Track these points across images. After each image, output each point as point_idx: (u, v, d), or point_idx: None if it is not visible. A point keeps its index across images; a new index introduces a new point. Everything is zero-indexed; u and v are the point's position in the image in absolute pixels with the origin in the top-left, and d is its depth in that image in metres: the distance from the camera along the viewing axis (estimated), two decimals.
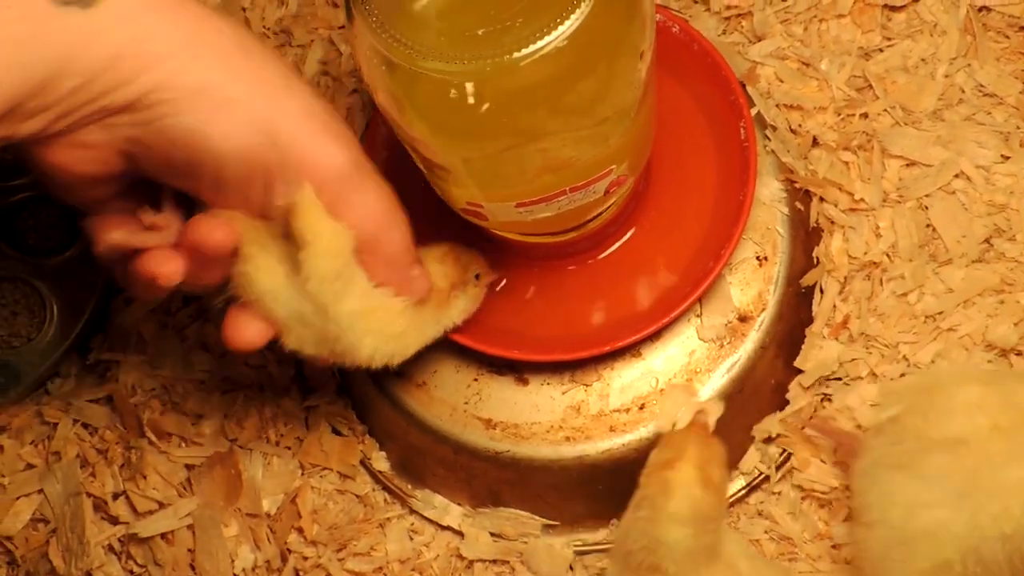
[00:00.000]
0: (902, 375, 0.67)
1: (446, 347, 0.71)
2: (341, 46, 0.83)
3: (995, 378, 0.55)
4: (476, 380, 0.70)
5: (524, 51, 0.44)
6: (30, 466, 0.77)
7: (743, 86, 0.71)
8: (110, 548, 0.75)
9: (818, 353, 0.69)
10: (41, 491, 0.76)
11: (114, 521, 0.75)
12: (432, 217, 0.71)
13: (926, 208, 0.71)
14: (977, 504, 0.50)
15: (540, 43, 0.44)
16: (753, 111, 0.71)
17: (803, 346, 0.70)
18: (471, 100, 0.46)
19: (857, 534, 0.58)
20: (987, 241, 0.69)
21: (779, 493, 0.69)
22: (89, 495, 0.75)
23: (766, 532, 0.68)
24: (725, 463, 0.57)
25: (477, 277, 0.66)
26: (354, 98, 0.81)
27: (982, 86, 0.73)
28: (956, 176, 0.71)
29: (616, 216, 0.67)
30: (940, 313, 0.69)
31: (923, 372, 0.64)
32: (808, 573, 0.66)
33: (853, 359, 0.69)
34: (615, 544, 0.59)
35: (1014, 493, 0.49)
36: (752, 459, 0.70)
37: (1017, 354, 0.66)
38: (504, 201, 0.56)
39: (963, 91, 0.73)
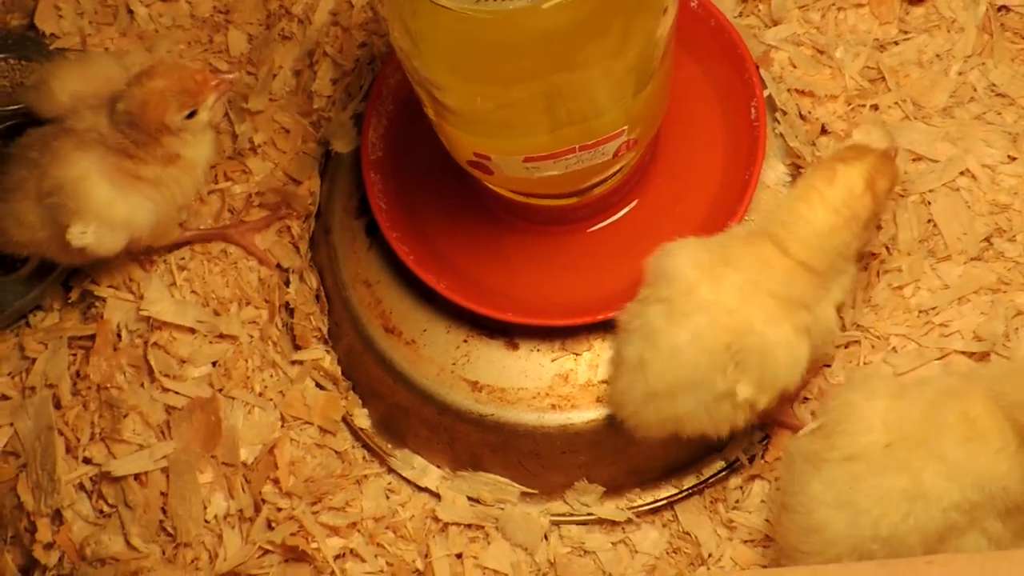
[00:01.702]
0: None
1: (438, 306, 0.70)
2: None
3: (902, 391, 0.58)
4: (466, 341, 0.70)
5: None
6: (5, 397, 0.76)
7: (757, 67, 0.71)
8: (81, 486, 0.74)
9: None
10: (12, 424, 0.74)
11: (87, 460, 0.73)
12: (433, 173, 0.71)
13: (929, 203, 0.71)
14: (859, 509, 0.55)
15: None
16: (764, 94, 0.70)
17: None
18: (490, 41, 0.45)
19: (779, 511, 0.61)
20: (987, 240, 0.69)
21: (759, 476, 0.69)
22: (61, 433, 0.74)
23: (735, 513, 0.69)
24: (895, 184, 0.61)
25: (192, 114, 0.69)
26: (364, 50, 0.80)
27: (995, 86, 0.73)
28: (961, 174, 0.71)
29: (620, 186, 0.67)
30: (934, 308, 0.69)
31: (841, 387, 0.66)
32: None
33: (846, 345, 0.68)
34: (754, 220, 0.63)
35: (891, 502, 0.55)
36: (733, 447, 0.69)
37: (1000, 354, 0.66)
38: (512, 154, 0.55)
39: (975, 89, 0.73)
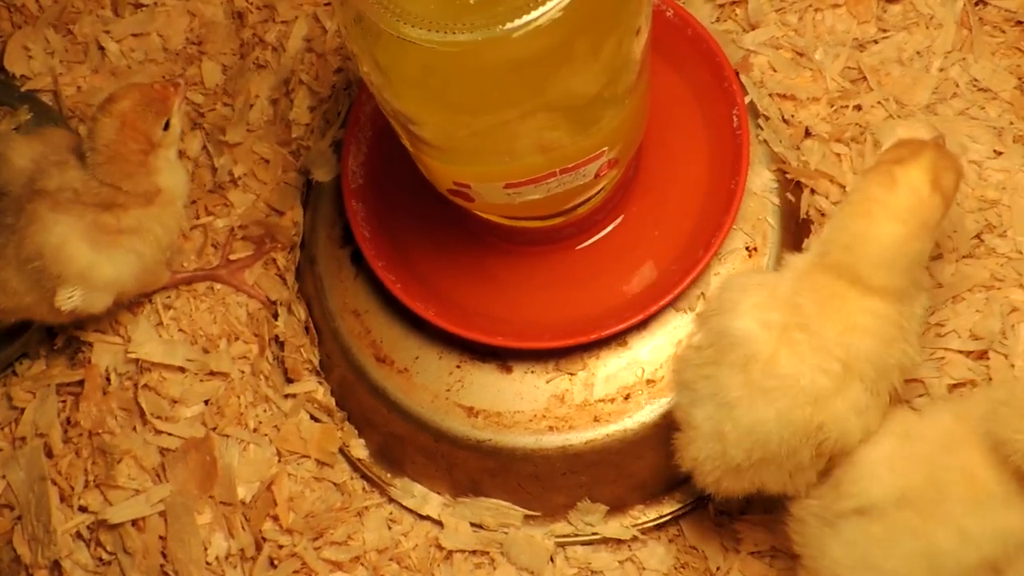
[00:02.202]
0: None
1: (429, 333, 0.69)
2: (327, 23, 0.81)
3: (907, 427, 0.56)
4: (459, 367, 0.69)
5: (517, 22, 0.43)
6: None
7: (737, 73, 0.70)
8: (78, 535, 0.73)
9: None
10: (4, 476, 0.73)
11: (83, 508, 0.73)
12: (415, 199, 0.70)
13: None
14: (884, 572, 0.54)
15: (534, 14, 0.43)
16: (746, 100, 0.70)
17: None
18: (460, 72, 0.45)
19: (802, 573, 0.59)
20: (978, 237, 0.69)
21: None
22: (54, 483, 0.73)
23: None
24: (960, 177, 0.55)
25: (167, 126, 0.69)
26: (340, 76, 0.80)
27: (976, 80, 0.72)
28: None
29: (604, 203, 0.66)
30: (928, 308, 0.68)
31: None
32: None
33: None
34: (814, 245, 0.56)
35: (914, 563, 0.53)
36: None
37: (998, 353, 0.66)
38: (492, 181, 0.55)
39: (957, 85, 0.72)
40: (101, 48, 0.84)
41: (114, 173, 0.67)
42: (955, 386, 0.66)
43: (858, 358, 0.53)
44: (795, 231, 0.71)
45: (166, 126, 0.69)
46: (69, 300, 0.67)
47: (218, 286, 0.77)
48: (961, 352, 0.66)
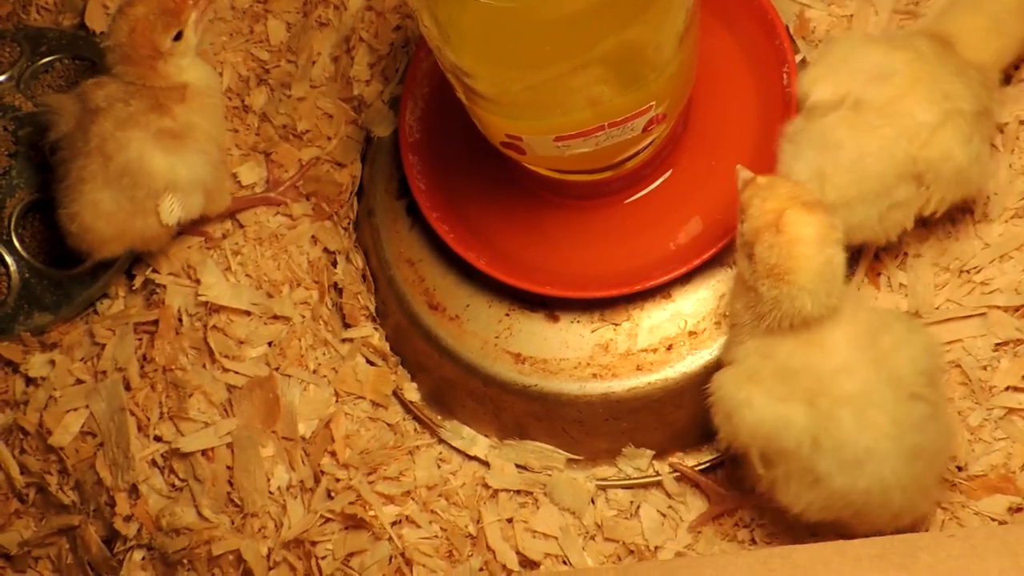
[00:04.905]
0: None
1: (480, 282, 0.72)
2: None
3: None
4: (508, 315, 0.72)
5: None
6: (79, 381, 0.81)
7: (788, 30, 0.70)
8: (153, 463, 0.78)
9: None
10: (88, 406, 0.79)
11: (158, 438, 0.78)
12: (469, 153, 0.73)
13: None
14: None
15: None
16: (798, 57, 0.70)
17: None
18: (515, 28, 0.47)
19: None
20: None
21: None
22: (132, 413, 0.78)
23: None
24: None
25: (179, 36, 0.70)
26: (398, 34, 0.82)
27: None
28: (1001, 131, 0.70)
29: (653, 157, 0.68)
30: (975, 267, 0.68)
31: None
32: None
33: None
34: None
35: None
36: None
37: None
38: (543, 134, 0.57)
39: None
40: None
41: (130, 73, 0.70)
42: (1000, 345, 0.66)
43: None
44: None
45: (178, 36, 0.70)
46: (172, 213, 0.71)
47: (282, 233, 0.81)
48: (1007, 309, 0.66)
